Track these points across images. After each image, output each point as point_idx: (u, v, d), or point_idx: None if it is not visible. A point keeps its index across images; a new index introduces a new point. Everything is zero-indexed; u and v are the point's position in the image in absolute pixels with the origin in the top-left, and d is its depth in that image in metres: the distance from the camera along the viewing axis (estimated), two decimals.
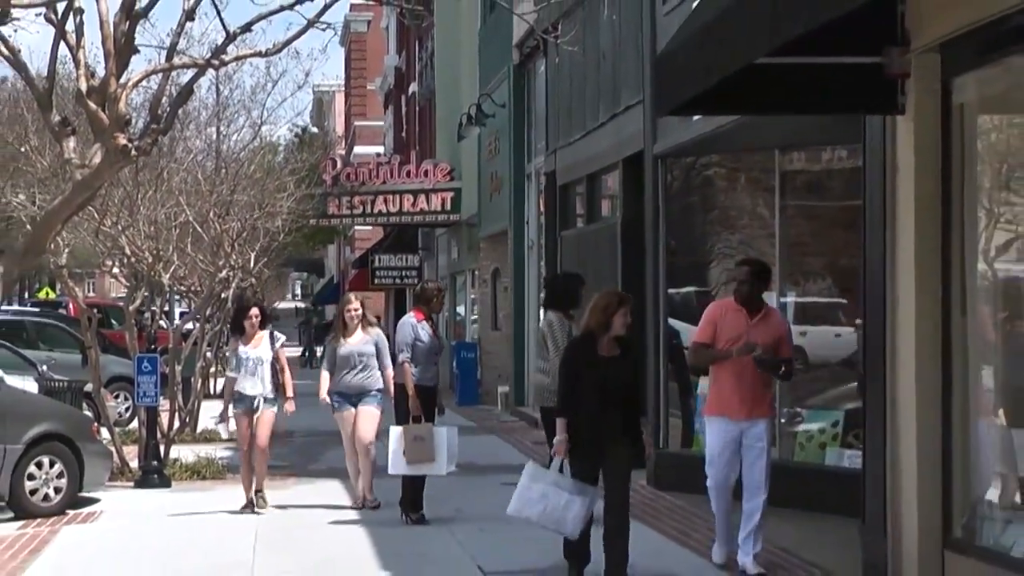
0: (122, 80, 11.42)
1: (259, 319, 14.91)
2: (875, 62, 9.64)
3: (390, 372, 14.42)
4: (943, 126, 9.61)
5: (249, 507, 14.68)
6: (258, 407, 14.65)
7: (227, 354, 15.49)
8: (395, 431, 13.77)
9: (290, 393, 14.96)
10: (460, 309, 38.19)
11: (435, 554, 12.39)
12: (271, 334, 14.98)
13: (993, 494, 9.48)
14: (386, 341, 14.81)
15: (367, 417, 14.53)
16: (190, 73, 12.95)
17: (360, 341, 14.57)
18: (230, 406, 14.82)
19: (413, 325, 13.97)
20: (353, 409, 14.58)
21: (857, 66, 9.77)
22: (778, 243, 14.75)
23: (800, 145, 14.72)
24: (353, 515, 14.36)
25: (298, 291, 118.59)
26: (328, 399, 14.68)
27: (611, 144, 19.41)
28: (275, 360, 14.79)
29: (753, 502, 11.01)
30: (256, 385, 14.66)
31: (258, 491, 14.81)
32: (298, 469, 18.74)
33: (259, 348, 14.75)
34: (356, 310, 14.66)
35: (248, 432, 14.75)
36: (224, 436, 20.09)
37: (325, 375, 14.74)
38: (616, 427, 10.40)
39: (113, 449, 17.50)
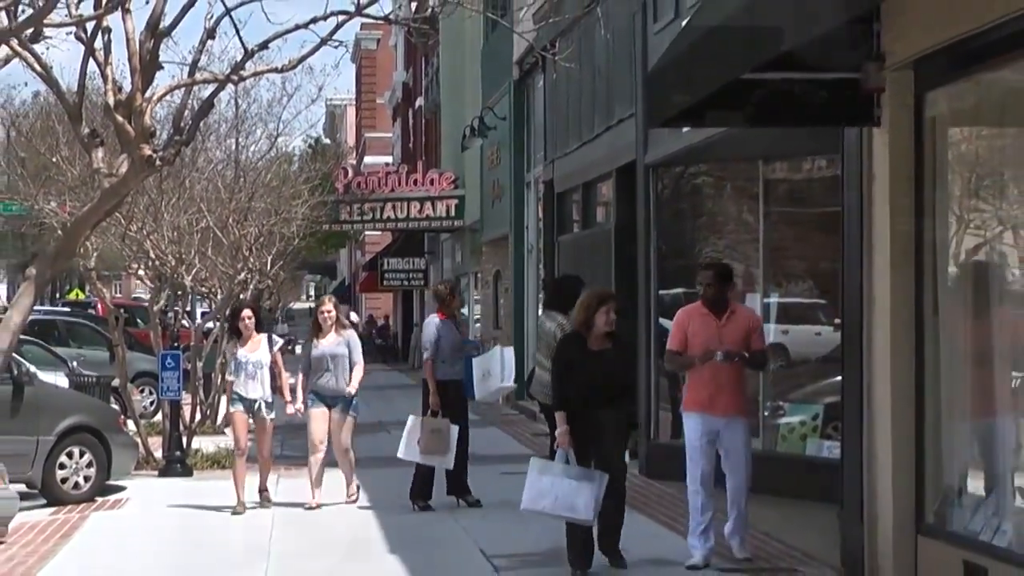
0: (147, 94, 11.44)
1: (252, 320, 14.26)
2: (853, 77, 9.65)
3: (360, 368, 14.18)
4: (916, 138, 9.61)
5: (241, 507, 14.05)
6: (259, 410, 14.09)
7: (226, 357, 14.79)
8: (413, 420, 13.81)
9: (288, 397, 14.22)
10: (464, 309, 38.18)
11: (440, 539, 12.39)
12: (269, 337, 14.48)
13: (963, 482, 9.50)
14: (359, 341, 14.44)
15: (343, 423, 14.11)
16: (211, 88, 12.96)
17: (333, 343, 14.06)
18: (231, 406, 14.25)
19: (437, 324, 14.02)
20: (326, 408, 14.09)
21: (836, 81, 9.77)
22: (762, 247, 14.76)
23: (783, 155, 14.73)
24: (363, 502, 14.35)
25: (312, 292, 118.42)
26: (303, 409, 14.12)
27: (605, 154, 19.40)
28: (272, 363, 14.17)
29: (737, 493, 10.89)
30: (257, 388, 14.07)
31: (262, 490, 14.30)
32: None
33: (258, 351, 14.13)
34: (329, 312, 14.14)
35: (246, 433, 14.19)
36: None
37: (300, 378, 14.19)
38: (609, 417, 10.39)
39: (139, 440, 17.50)
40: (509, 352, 14.44)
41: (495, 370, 14.12)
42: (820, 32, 7.55)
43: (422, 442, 13.62)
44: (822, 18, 7.46)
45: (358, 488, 14.43)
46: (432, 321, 14.17)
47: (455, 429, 13.71)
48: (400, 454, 13.86)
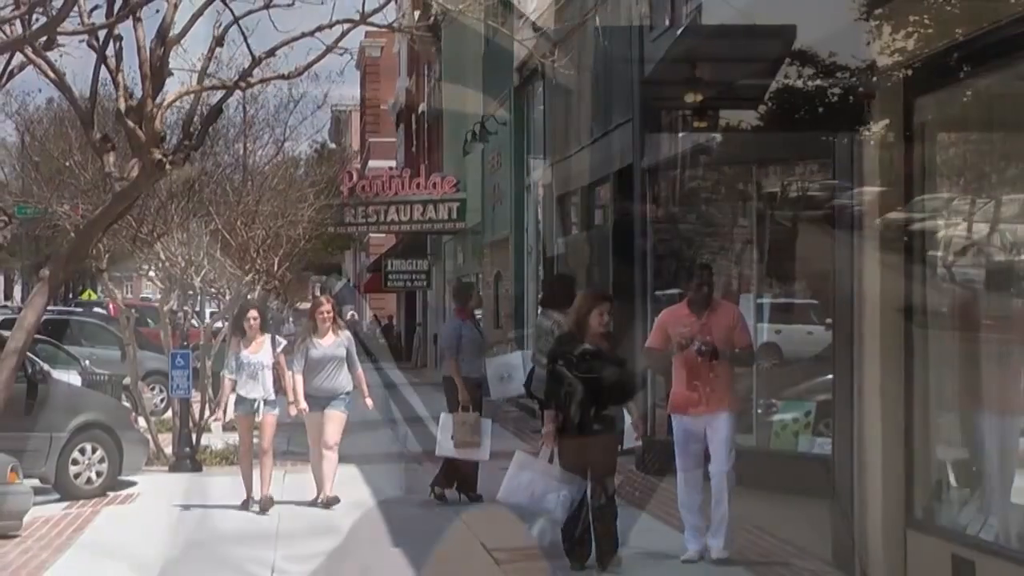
0: (157, 100, 11.43)
1: (257, 321, 14.11)
2: (845, 83, 9.66)
3: (360, 372, 14.12)
4: (905, 142, 9.62)
5: (248, 502, 13.97)
6: (258, 409, 13.92)
7: (228, 354, 14.62)
8: (446, 417, 13.86)
9: (292, 398, 13.91)
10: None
11: (442, 532, 12.40)
12: (273, 338, 14.27)
13: (951, 478, 9.50)
14: (354, 343, 14.28)
15: (335, 420, 13.90)
16: (219, 94, 12.97)
17: (332, 343, 13.85)
18: (229, 407, 14.05)
19: (457, 325, 14.12)
20: (321, 412, 13.86)
21: (828, 87, 9.79)
22: (755, 249, 14.76)
23: (776, 159, 14.71)
24: (367, 496, 14.36)
25: (317, 293, 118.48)
26: (307, 408, 13.79)
27: (603, 158, 19.40)
28: (275, 365, 13.95)
29: (719, 490, 10.65)
30: (256, 388, 13.86)
31: (262, 497, 13.88)
32: None
33: (260, 353, 13.94)
34: (328, 312, 13.95)
35: (249, 433, 14.08)
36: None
37: (299, 379, 13.76)
38: (601, 418, 10.34)
39: (149, 437, 17.50)
40: (529, 356, 14.48)
41: (516, 373, 14.23)
42: (813, 40, 7.56)
43: (455, 437, 13.68)
44: (815, 26, 7.47)
45: (336, 499, 13.92)
46: (452, 322, 14.33)
47: (487, 423, 13.83)
48: (439, 452, 13.95)
